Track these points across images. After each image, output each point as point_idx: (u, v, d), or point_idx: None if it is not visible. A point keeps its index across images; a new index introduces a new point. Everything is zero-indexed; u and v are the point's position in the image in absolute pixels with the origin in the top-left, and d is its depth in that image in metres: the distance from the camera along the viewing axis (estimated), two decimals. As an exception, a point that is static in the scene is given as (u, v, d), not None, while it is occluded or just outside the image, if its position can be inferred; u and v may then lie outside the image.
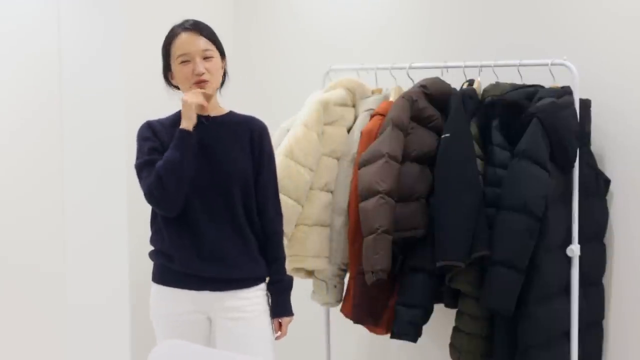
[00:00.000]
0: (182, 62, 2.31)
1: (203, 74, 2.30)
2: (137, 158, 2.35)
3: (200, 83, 2.31)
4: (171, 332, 2.32)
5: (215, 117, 2.38)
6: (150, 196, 2.28)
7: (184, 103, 2.28)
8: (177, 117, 2.37)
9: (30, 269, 3.67)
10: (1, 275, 3.74)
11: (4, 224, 3.72)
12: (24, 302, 3.69)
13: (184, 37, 2.32)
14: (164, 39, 2.37)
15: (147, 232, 2.46)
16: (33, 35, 3.58)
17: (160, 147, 2.32)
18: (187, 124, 2.27)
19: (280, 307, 2.41)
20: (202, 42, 2.32)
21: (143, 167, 2.31)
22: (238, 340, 2.32)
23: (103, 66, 3.35)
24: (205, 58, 2.31)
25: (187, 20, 2.37)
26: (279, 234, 2.44)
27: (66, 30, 3.46)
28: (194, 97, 2.27)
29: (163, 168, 2.25)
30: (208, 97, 2.36)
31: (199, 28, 2.34)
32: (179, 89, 2.39)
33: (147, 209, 2.37)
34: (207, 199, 2.31)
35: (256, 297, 2.37)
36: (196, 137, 2.31)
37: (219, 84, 2.37)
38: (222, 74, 2.38)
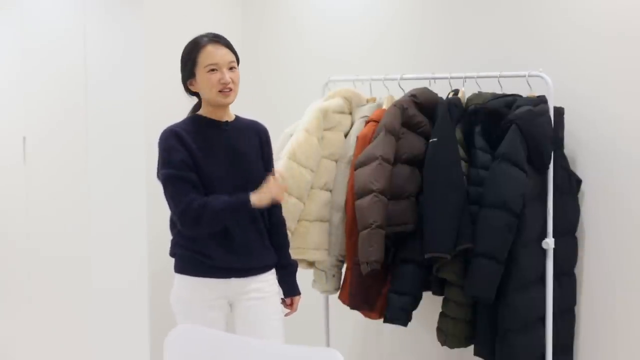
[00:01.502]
0: (210, 70, 2.36)
1: (229, 83, 2.36)
2: (165, 166, 2.33)
3: (224, 91, 2.37)
4: (193, 316, 2.37)
5: (231, 122, 2.45)
6: (180, 220, 2.31)
7: (258, 203, 2.32)
8: (195, 122, 2.42)
9: (60, 258, 3.72)
10: (36, 264, 3.78)
11: (38, 220, 3.78)
12: (55, 286, 3.75)
13: (211, 49, 2.36)
14: (187, 49, 2.40)
15: (163, 226, 2.52)
16: (61, 51, 3.68)
17: (189, 158, 2.32)
18: (258, 202, 2.32)
19: (291, 288, 2.55)
20: (229, 55, 2.39)
21: (173, 180, 2.30)
22: (257, 315, 2.44)
23: (124, 79, 3.41)
24: (230, 69, 2.38)
25: (208, 33, 2.42)
26: (283, 223, 2.55)
27: (91, 46, 3.55)
28: (265, 200, 2.33)
29: (210, 213, 2.27)
30: (227, 105, 2.43)
31: (222, 40, 2.40)
32: (197, 95, 2.45)
33: (164, 205, 2.39)
34: None
35: (271, 279, 2.50)
36: (220, 141, 2.39)
37: (237, 93, 2.43)
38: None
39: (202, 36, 2.42)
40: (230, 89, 2.38)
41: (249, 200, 2.32)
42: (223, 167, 2.38)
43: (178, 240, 2.45)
